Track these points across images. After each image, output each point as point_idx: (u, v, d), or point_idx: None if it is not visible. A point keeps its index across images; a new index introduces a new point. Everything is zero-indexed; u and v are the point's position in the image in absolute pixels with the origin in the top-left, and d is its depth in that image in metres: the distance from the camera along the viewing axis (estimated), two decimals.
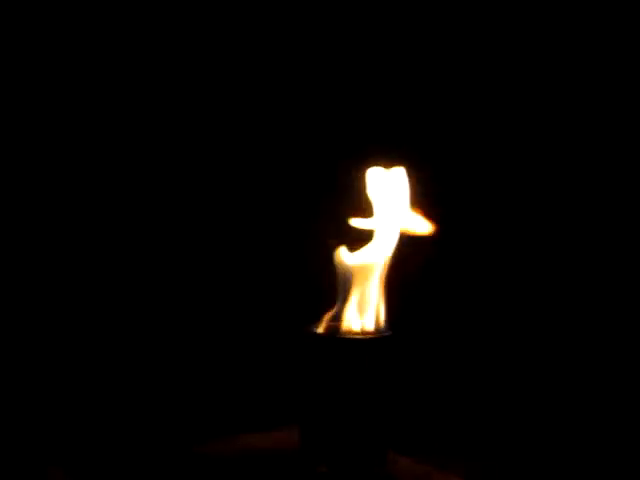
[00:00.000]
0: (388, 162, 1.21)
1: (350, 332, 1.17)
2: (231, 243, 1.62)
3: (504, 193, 1.61)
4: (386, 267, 1.17)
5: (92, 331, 1.58)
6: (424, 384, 1.52)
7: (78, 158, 1.59)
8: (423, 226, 1.20)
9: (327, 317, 1.17)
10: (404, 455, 1.20)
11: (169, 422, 1.45)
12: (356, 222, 1.18)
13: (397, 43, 1.60)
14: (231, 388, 1.54)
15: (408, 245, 1.18)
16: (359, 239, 1.17)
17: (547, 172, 1.61)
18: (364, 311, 1.17)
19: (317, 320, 1.17)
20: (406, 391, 1.26)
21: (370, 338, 1.16)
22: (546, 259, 1.60)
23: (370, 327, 1.17)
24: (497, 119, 1.61)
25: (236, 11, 1.60)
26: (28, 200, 1.57)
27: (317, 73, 1.62)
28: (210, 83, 1.62)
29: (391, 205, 1.18)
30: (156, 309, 1.60)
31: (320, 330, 1.17)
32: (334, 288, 1.18)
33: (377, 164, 1.20)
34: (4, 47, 1.54)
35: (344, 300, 1.17)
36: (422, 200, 1.25)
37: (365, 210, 1.20)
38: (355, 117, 1.61)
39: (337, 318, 1.18)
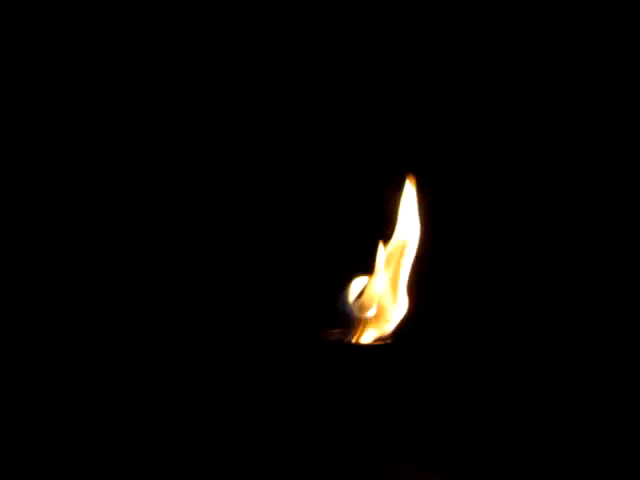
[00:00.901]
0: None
1: (354, 339, 1.18)
2: (236, 247, 1.62)
3: (504, 200, 1.61)
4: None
5: (102, 333, 1.58)
6: (426, 392, 1.52)
7: (78, 158, 1.59)
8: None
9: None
10: (406, 463, 1.20)
11: (174, 424, 1.46)
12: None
13: (400, 52, 1.60)
14: (234, 392, 1.54)
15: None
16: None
17: (547, 178, 1.61)
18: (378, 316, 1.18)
19: (320, 325, 1.18)
20: (408, 399, 1.26)
21: (372, 345, 1.16)
22: (547, 264, 1.60)
23: (374, 334, 1.18)
24: (498, 126, 1.61)
25: (243, 14, 1.60)
26: (28, 200, 1.57)
27: (322, 76, 1.61)
28: (211, 86, 1.62)
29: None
30: (162, 313, 1.60)
31: (324, 336, 1.18)
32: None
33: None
34: (4, 47, 1.53)
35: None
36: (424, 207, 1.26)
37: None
38: (360, 120, 1.61)
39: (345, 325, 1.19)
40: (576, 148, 1.59)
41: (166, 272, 1.61)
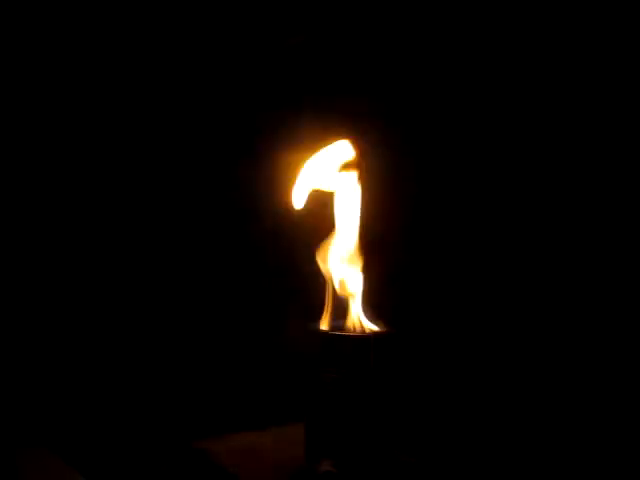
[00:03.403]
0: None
1: (354, 330, 1.18)
2: (232, 246, 1.63)
3: (503, 192, 1.62)
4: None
5: (97, 331, 1.58)
6: (427, 383, 1.52)
7: (78, 158, 1.59)
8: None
9: (326, 314, 1.19)
10: (407, 455, 1.20)
11: (175, 420, 1.45)
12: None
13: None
14: (237, 386, 1.54)
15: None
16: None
17: (545, 175, 1.61)
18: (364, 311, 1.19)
19: (318, 318, 1.19)
20: (409, 390, 1.26)
21: (374, 335, 1.16)
22: (545, 258, 1.61)
23: (372, 325, 1.18)
24: (492, 121, 1.62)
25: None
26: (28, 200, 1.57)
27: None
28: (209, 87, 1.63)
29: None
30: (159, 308, 1.60)
31: (325, 328, 1.18)
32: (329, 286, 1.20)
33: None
34: (4, 47, 1.54)
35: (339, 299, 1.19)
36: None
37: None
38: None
39: (339, 315, 1.19)
40: (563, 147, 1.60)
41: (165, 272, 1.62)
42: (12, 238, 1.56)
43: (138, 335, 1.59)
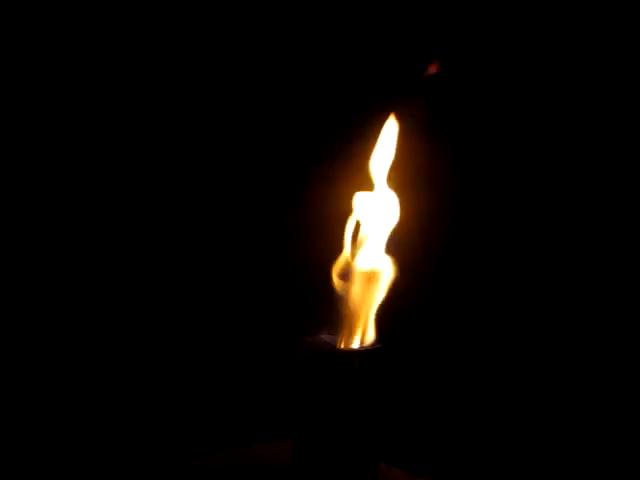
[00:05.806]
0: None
1: (342, 344, 1.18)
2: (229, 252, 1.63)
3: (497, 202, 1.61)
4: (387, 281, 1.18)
5: (90, 340, 1.59)
6: (415, 395, 1.52)
7: (78, 158, 1.60)
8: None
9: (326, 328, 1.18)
10: (396, 467, 1.21)
11: (163, 433, 1.46)
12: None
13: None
14: (224, 399, 1.55)
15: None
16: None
17: (541, 179, 1.60)
18: (358, 322, 1.18)
19: (310, 331, 1.18)
20: (398, 402, 1.27)
21: (361, 350, 1.16)
22: (540, 269, 1.60)
23: (361, 340, 1.18)
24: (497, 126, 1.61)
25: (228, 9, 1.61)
26: (28, 200, 1.58)
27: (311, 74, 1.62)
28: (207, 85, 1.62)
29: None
30: (153, 318, 1.60)
31: (312, 341, 1.18)
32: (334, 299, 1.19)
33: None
34: (4, 47, 1.54)
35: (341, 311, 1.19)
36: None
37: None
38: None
39: (334, 329, 1.18)
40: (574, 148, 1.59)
41: (163, 275, 1.62)
42: (12, 238, 1.57)
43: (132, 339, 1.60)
